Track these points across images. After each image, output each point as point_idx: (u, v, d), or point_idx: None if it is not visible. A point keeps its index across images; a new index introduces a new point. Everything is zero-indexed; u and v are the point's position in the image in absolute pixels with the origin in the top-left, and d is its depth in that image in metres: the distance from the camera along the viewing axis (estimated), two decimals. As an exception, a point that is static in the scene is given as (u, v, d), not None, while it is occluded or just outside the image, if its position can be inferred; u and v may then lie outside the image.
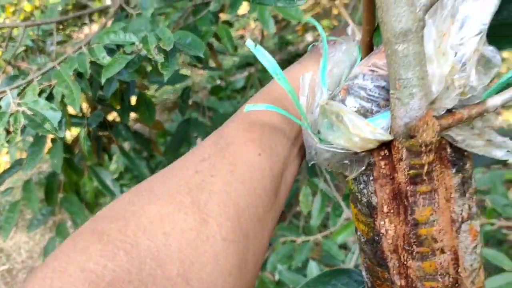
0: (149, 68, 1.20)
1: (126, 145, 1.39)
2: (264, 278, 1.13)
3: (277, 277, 1.06)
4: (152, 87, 1.75)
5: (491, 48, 0.28)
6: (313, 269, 0.94)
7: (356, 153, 0.30)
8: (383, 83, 0.29)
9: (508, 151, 0.29)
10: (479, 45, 0.27)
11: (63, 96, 0.81)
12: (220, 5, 1.08)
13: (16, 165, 1.04)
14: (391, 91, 0.27)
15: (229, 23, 1.25)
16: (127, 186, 1.47)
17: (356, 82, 0.30)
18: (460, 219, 0.31)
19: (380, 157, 0.30)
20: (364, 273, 0.37)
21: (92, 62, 0.80)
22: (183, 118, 1.40)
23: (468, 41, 0.27)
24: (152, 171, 1.47)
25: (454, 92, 0.28)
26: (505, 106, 0.28)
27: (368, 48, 0.33)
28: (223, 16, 1.21)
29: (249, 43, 0.32)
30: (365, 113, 0.30)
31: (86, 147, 1.11)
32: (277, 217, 0.35)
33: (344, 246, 1.43)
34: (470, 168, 0.32)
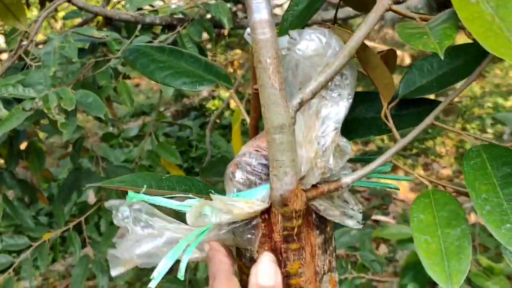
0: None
1: (10, 193, 1.33)
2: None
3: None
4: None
5: (344, 140, 0.37)
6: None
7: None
8: (265, 161, 0.36)
9: (357, 221, 0.38)
10: (335, 137, 0.36)
11: None
12: (120, 61, 1.12)
13: None
14: (270, 169, 0.35)
15: (128, 77, 1.29)
16: (3, 234, 1.39)
17: (244, 159, 0.37)
18: (322, 272, 0.39)
19: (261, 220, 0.37)
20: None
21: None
22: (74, 166, 1.39)
23: (328, 134, 0.35)
24: (36, 219, 1.41)
25: (317, 172, 0.36)
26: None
27: (255, 129, 0.41)
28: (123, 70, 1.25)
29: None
30: (250, 184, 0.37)
31: (-35, 194, 1.06)
32: None
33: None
34: (331, 230, 0.40)
